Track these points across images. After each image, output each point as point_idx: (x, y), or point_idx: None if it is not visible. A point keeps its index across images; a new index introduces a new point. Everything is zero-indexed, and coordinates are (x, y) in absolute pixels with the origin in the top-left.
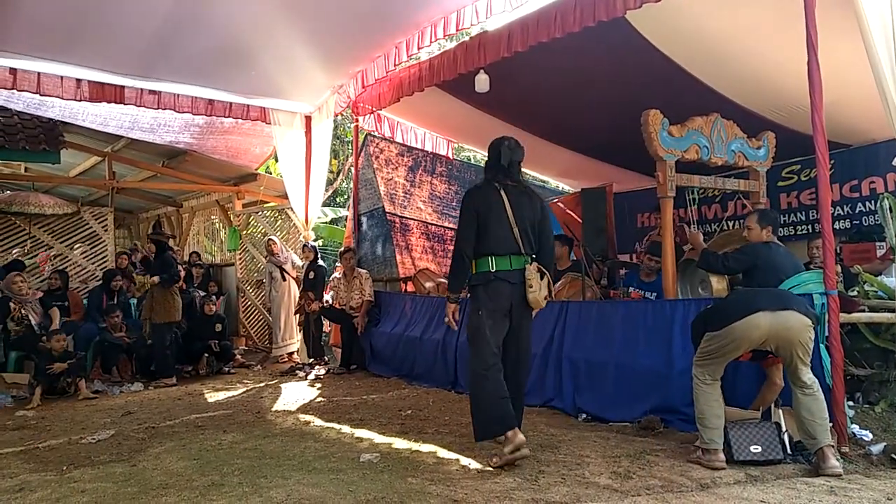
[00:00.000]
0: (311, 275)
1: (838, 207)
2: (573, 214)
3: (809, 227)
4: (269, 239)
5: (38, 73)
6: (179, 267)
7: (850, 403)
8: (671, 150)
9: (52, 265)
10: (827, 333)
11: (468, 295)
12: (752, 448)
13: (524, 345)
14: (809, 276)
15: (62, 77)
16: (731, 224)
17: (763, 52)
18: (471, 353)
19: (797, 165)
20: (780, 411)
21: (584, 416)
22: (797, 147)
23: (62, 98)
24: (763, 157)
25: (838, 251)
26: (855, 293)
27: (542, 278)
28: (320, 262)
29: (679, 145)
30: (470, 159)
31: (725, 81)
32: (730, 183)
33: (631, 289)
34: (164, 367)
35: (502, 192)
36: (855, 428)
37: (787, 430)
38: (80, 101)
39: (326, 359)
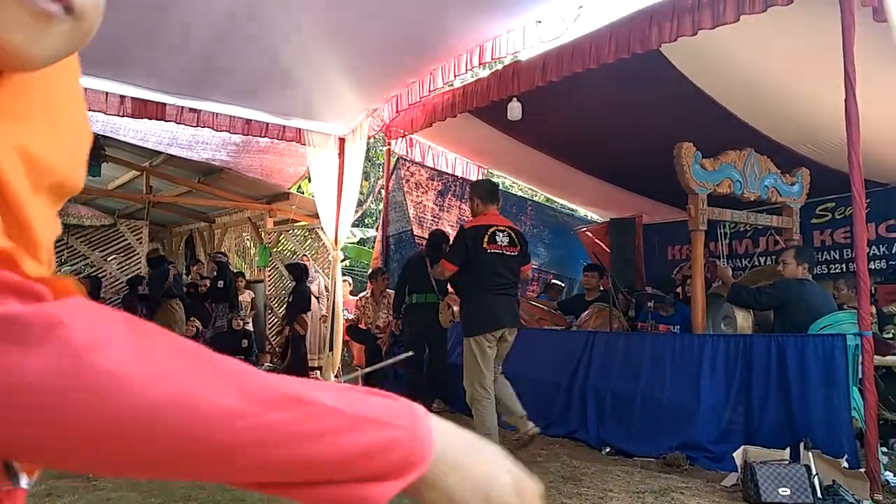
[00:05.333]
0: (291, 298)
1: (874, 247)
2: (601, 244)
3: (843, 265)
4: (303, 255)
5: (85, 89)
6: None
7: (884, 450)
8: (703, 184)
9: None
10: (860, 376)
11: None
12: (780, 490)
13: (437, 353)
14: (843, 316)
15: (107, 93)
16: (762, 260)
17: (798, 87)
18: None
19: (832, 203)
20: (811, 454)
21: (607, 449)
22: (832, 184)
23: (105, 113)
24: (797, 193)
25: (873, 292)
26: (890, 335)
27: (448, 308)
28: (307, 283)
29: (712, 179)
30: (499, 185)
31: (759, 115)
32: (762, 218)
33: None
34: None
35: (427, 262)
36: (889, 476)
37: (817, 473)
38: (123, 116)
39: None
